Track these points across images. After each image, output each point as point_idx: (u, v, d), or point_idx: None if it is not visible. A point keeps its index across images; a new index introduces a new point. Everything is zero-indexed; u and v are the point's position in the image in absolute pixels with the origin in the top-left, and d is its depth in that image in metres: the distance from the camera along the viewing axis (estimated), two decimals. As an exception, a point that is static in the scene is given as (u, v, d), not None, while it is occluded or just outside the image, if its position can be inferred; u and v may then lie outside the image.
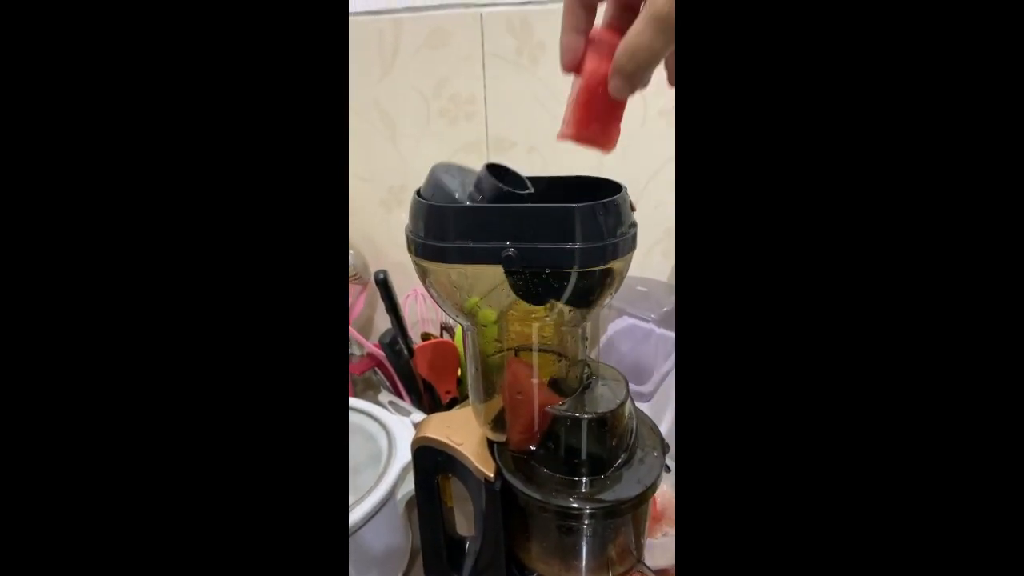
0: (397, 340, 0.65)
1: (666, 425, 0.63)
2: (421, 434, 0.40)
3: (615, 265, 0.30)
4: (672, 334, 0.63)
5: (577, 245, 0.29)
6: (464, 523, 0.47)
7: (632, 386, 0.60)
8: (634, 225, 0.31)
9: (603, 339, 0.66)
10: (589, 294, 0.31)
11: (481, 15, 0.64)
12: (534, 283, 0.30)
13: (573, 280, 0.30)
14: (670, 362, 0.62)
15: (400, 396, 0.70)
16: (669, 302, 0.63)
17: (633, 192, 0.31)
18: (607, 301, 0.33)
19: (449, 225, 0.30)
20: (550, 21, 0.63)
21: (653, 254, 0.69)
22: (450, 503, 0.44)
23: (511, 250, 0.29)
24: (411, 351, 0.66)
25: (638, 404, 0.53)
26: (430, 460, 0.39)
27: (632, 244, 0.31)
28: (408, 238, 0.32)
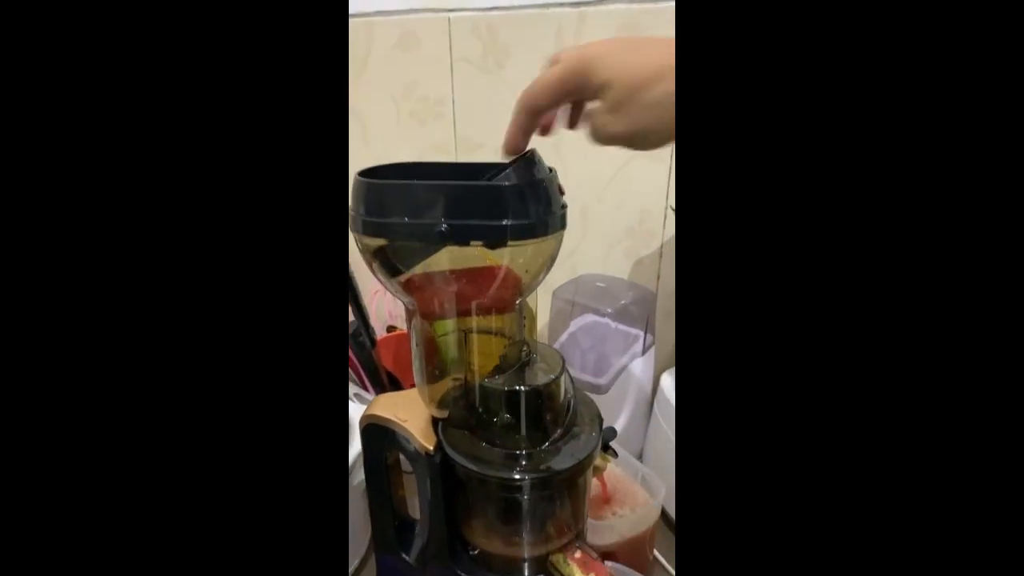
0: (360, 332, 0.66)
1: (624, 417, 0.65)
2: (369, 412, 0.41)
3: (546, 243, 0.32)
4: (627, 329, 0.65)
5: (508, 221, 0.31)
6: (417, 509, 0.48)
7: (589, 378, 0.62)
8: (564, 206, 0.33)
9: (566, 334, 0.68)
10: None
11: (449, 19, 0.67)
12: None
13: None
14: (627, 356, 0.64)
15: (366, 388, 0.71)
16: (627, 297, 0.65)
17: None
18: (540, 280, 0.35)
19: (386, 202, 0.32)
20: (514, 26, 0.65)
21: (614, 253, 0.71)
22: (402, 492, 0.46)
23: (444, 225, 0.30)
24: (374, 342, 0.67)
25: (596, 396, 0.55)
26: (377, 437, 0.41)
27: (561, 223, 0.33)
28: (350, 216, 0.33)
